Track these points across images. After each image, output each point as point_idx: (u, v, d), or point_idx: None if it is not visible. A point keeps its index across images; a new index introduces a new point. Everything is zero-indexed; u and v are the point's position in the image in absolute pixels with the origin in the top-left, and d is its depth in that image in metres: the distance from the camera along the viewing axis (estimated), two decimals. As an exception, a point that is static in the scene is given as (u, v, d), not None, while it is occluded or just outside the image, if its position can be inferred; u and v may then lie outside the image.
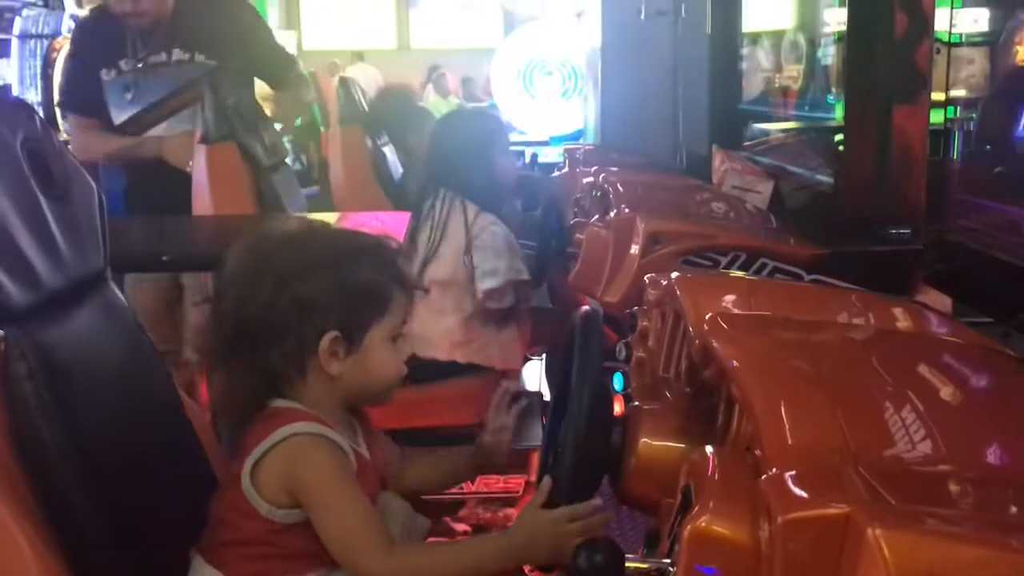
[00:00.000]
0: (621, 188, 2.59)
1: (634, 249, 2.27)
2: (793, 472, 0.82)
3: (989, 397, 1.05)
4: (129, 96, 2.62)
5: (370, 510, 1.16)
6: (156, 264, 2.33)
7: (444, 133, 2.66)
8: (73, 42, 3.11)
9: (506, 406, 1.36)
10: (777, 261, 2.24)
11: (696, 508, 0.85)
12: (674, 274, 1.43)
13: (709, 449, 0.96)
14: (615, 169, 2.94)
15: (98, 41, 2.70)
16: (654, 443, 1.20)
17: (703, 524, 0.83)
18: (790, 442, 0.87)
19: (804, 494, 0.78)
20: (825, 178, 2.44)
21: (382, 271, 1.23)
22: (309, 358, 1.18)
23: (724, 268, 2.29)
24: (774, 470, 0.84)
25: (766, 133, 2.85)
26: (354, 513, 1.14)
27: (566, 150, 4.28)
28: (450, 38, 11.13)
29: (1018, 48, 1.58)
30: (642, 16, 4.53)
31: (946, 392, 1.02)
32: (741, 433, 1.05)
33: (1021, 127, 1.51)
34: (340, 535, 1.14)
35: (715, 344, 1.07)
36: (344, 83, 3.75)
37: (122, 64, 2.64)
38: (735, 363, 1.01)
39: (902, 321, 1.26)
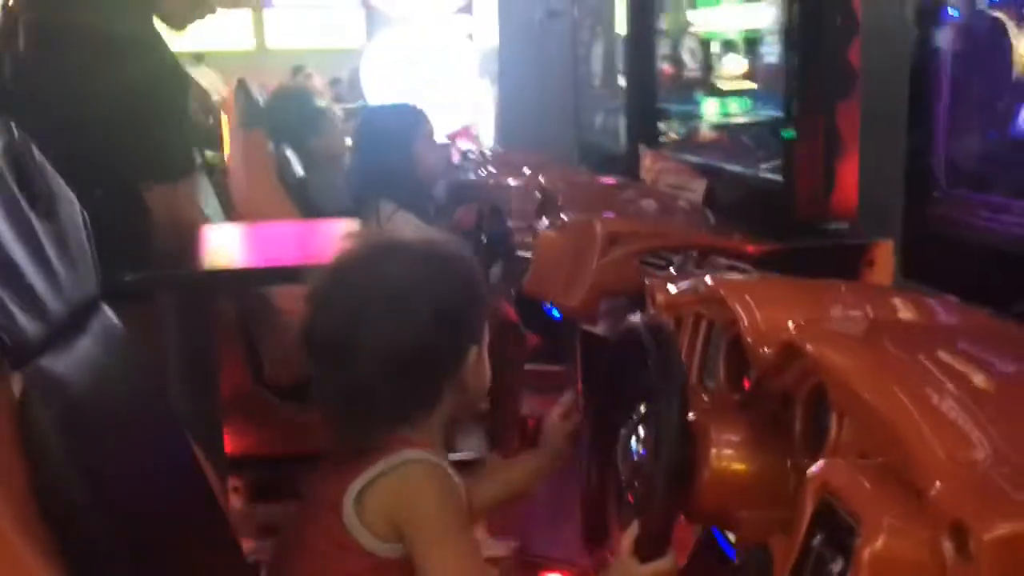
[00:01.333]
0: (565, 190, 2.55)
1: (593, 251, 2.23)
2: (965, 484, 0.79)
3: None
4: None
5: (479, 554, 1.09)
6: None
7: (364, 129, 2.57)
8: None
9: (570, 414, 1.32)
10: (728, 258, 2.25)
11: (866, 529, 0.81)
12: (708, 278, 1.39)
13: (840, 461, 0.92)
14: (556, 170, 2.90)
15: None
16: (725, 453, 1.15)
17: (882, 546, 0.79)
18: (943, 454, 0.83)
19: (1001, 508, 0.75)
20: (764, 175, 2.46)
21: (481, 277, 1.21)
22: (452, 378, 1.14)
23: (677, 267, 2.29)
24: (938, 484, 0.81)
25: (695, 132, 2.87)
26: (464, 555, 1.07)
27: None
28: (310, 38, 10.85)
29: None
30: (537, 16, 4.52)
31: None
32: (843, 442, 1.01)
33: (995, 121, 1.56)
34: None
35: (813, 350, 1.03)
36: (242, 84, 3.56)
37: None
38: (852, 370, 0.97)
39: (944, 315, 1.26)
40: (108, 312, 1.21)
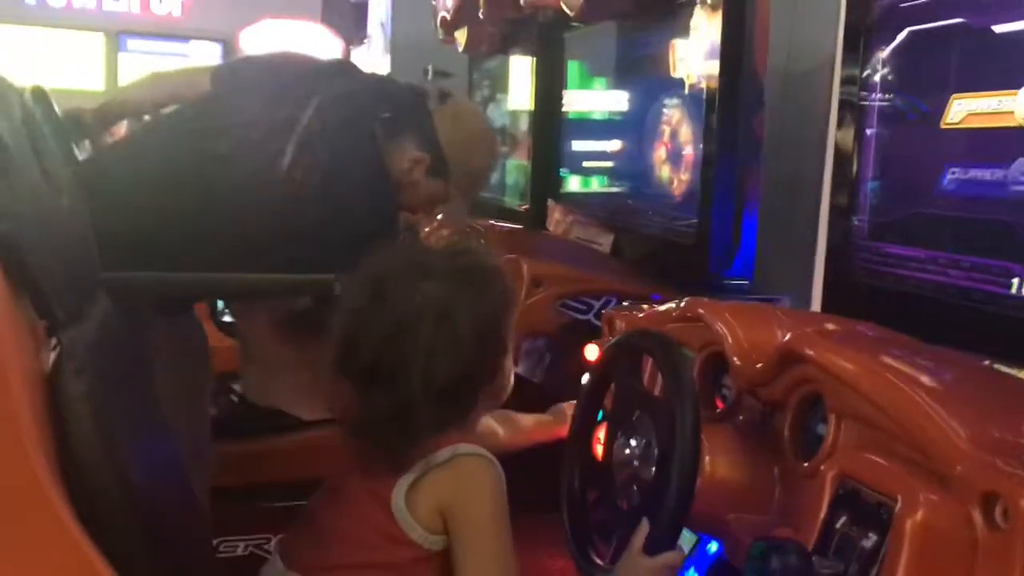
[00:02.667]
0: (492, 233, 2.61)
1: (518, 292, 2.29)
2: (989, 462, 0.88)
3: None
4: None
5: (513, 558, 1.09)
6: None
7: None
8: None
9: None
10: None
11: (904, 502, 0.89)
12: (683, 301, 1.47)
13: (856, 453, 1.00)
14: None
15: None
16: (717, 461, 1.22)
17: (921, 517, 0.87)
18: (963, 437, 0.92)
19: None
20: (675, 229, 2.60)
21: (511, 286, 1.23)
22: (490, 387, 1.17)
23: (596, 312, 2.38)
24: (963, 463, 0.90)
25: (603, 188, 3.00)
26: (501, 557, 1.08)
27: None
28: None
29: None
30: (429, 77, 4.61)
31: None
32: (840, 444, 1.10)
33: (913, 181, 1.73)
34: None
35: (814, 355, 1.12)
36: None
37: None
38: (855, 372, 1.07)
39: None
40: (104, 295, 1.18)
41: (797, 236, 2.54)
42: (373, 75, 2.23)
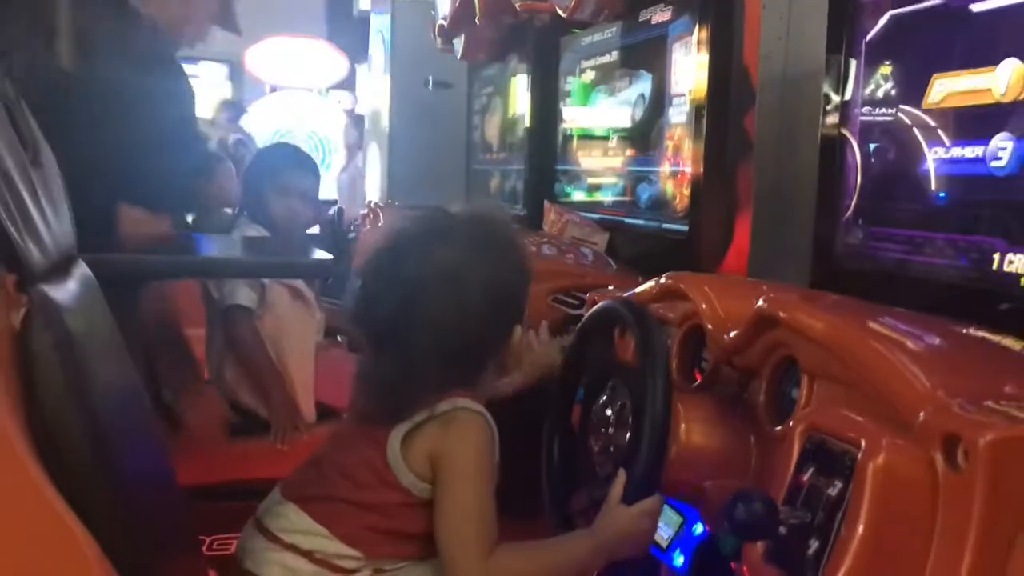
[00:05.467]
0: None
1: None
2: (950, 408, 0.88)
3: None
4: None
5: (491, 510, 1.11)
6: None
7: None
8: None
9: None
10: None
11: (867, 446, 0.89)
12: (664, 277, 1.47)
13: (824, 407, 1.00)
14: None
15: None
16: (693, 429, 1.22)
17: (883, 460, 0.87)
18: (927, 386, 0.93)
19: (984, 419, 0.84)
20: (668, 227, 2.61)
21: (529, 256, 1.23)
22: (497, 355, 1.18)
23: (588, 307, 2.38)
24: (926, 409, 0.90)
25: (597, 189, 3.02)
26: (478, 506, 1.10)
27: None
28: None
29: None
30: (429, 87, 4.65)
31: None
32: (810, 407, 1.10)
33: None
34: (455, 520, 1.10)
35: (787, 316, 1.12)
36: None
37: None
38: (826, 331, 1.07)
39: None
40: (84, 265, 1.19)
41: (790, 231, 2.55)
42: None
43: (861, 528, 0.86)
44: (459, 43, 3.88)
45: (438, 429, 1.11)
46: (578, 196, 3.15)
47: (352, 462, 1.14)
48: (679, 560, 1.58)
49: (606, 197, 2.97)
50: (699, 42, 2.46)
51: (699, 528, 1.57)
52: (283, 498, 1.16)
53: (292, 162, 2.41)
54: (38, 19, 1.83)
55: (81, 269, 1.17)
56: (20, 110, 1.12)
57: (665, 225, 2.61)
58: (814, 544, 0.91)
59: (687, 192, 2.50)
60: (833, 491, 0.92)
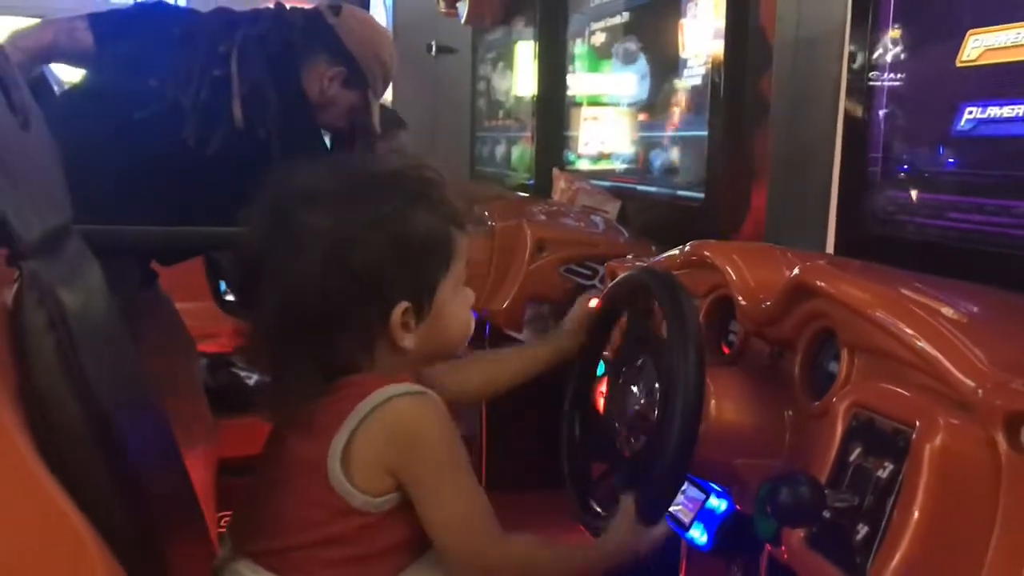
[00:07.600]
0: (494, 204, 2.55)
1: (522, 256, 2.24)
2: (1012, 384, 0.82)
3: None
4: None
5: (481, 489, 1.01)
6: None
7: None
8: None
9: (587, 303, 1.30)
10: (652, 269, 2.30)
11: (922, 427, 0.82)
12: (688, 245, 1.41)
13: (869, 383, 0.94)
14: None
15: None
16: (725, 406, 1.16)
17: (940, 441, 0.81)
18: (984, 360, 0.86)
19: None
20: (683, 194, 2.54)
21: (437, 212, 1.03)
22: (378, 337, 1.01)
23: (602, 277, 2.31)
24: (980, 392, 0.84)
25: (609, 156, 2.94)
26: (471, 494, 1.00)
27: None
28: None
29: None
30: (432, 52, 4.56)
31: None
32: (854, 379, 1.04)
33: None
34: (454, 520, 0.99)
35: (827, 286, 1.05)
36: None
37: None
38: (869, 301, 1.00)
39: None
40: (79, 239, 1.13)
41: (809, 196, 2.47)
42: (266, 10, 2.21)
43: (917, 513, 0.80)
44: (463, 7, 3.79)
45: (379, 434, 0.98)
46: (587, 164, 3.07)
47: (294, 502, 1.01)
48: (702, 538, 1.53)
49: (617, 164, 2.90)
50: (714, 1, 2.37)
51: (722, 505, 1.52)
52: (234, 553, 1.05)
53: None
54: None
55: (75, 241, 1.10)
56: (7, 67, 1.06)
57: (680, 192, 2.53)
58: (863, 530, 0.85)
59: (703, 158, 2.43)
60: (883, 473, 0.85)
